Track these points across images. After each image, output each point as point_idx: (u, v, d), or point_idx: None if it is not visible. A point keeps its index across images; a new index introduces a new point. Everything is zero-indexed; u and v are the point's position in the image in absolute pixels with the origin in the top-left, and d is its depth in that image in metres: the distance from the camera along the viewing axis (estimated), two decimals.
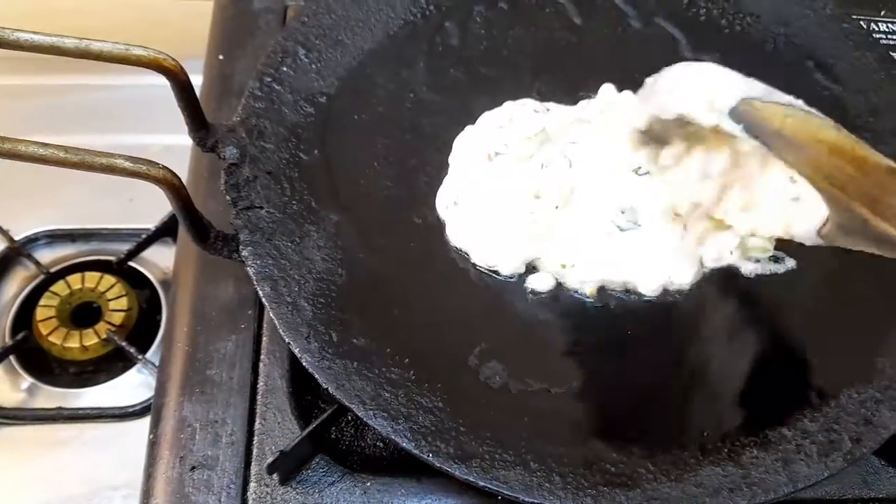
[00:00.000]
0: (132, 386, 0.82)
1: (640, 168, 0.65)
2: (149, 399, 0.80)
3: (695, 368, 0.60)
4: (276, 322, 0.57)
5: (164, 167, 0.54)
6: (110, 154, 0.53)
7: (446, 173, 0.68)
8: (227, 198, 0.62)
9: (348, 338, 0.58)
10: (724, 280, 0.64)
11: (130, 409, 0.80)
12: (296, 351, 0.56)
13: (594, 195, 0.64)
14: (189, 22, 0.84)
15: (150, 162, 0.54)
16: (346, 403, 0.55)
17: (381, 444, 0.62)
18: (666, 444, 0.56)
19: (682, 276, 0.63)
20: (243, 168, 0.63)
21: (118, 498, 0.77)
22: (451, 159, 0.68)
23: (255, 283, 0.59)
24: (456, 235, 0.65)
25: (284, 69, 0.69)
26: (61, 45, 0.55)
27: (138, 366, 0.82)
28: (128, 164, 0.53)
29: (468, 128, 0.69)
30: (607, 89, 0.70)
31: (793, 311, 0.63)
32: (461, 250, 0.64)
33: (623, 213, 0.63)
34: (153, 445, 0.61)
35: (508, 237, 0.64)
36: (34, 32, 0.55)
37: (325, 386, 0.55)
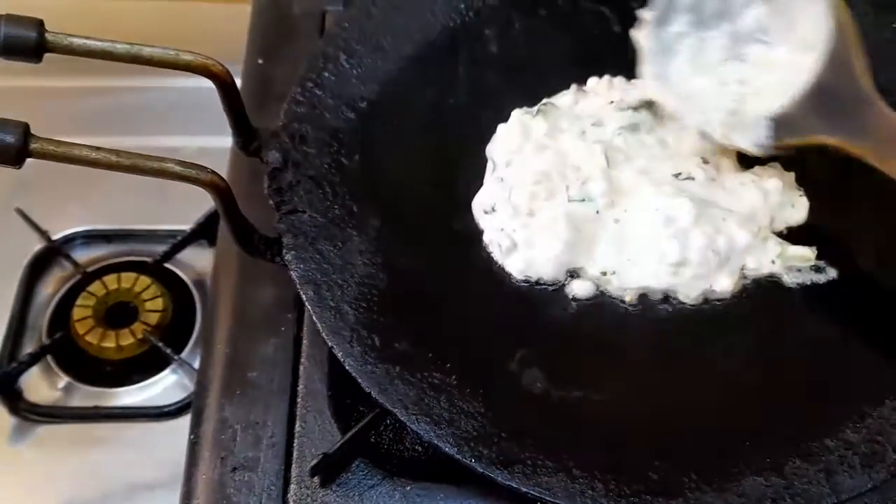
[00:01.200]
0: (167, 386, 0.83)
1: (680, 174, 0.65)
2: (183, 399, 0.81)
3: (735, 377, 0.60)
4: (319, 326, 0.58)
5: (213, 171, 0.55)
6: (161, 158, 0.53)
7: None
8: (271, 202, 0.62)
9: (390, 342, 0.58)
10: (765, 289, 0.63)
11: (166, 409, 0.81)
12: (339, 355, 0.57)
13: (635, 201, 0.64)
14: (227, 26, 0.84)
15: (199, 166, 0.55)
16: (389, 408, 0.55)
17: (420, 449, 0.62)
18: (708, 453, 0.56)
19: (723, 285, 0.62)
20: (286, 173, 0.64)
21: (154, 497, 0.77)
22: (488, 163, 0.69)
23: (298, 286, 0.59)
24: (491, 243, 0.65)
25: (326, 74, 0.70)
26: (113, 50, 0.56)
27: (173, 366, 0.83)
28: (178, 168, 0.54)
29: (500, 127, 0.69)
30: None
31: (834, 322, 0.62)
32: (498, 263, 0.64)
33: (665, 219, 0.63)
34: (194, 446, 0.62)
35: (547, 246, 0.63)
36: (87, 38, 0.56)
37: (367, 390, 0.56)
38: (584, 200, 0.64)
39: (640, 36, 0.68)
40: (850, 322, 0.62)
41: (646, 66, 0.67)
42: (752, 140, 0.62)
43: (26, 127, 0.50)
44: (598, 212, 0.64)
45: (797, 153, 0.64)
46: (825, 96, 0.60)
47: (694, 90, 0.67)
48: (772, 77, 0.65)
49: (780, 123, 0.61)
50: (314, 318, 0.58)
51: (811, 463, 0.55)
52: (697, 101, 0.66)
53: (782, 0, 0.65)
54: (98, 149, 0.52)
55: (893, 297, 0.62)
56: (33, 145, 0.50)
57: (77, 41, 0.55)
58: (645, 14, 0.68)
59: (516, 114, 0.70)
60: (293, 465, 0.60)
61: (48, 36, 0.54)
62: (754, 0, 0.66)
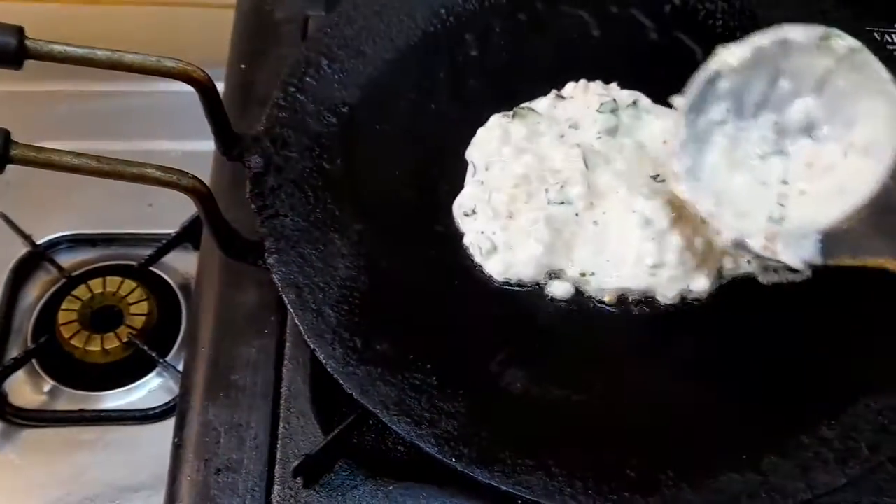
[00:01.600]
0: (152, 389, 0.84)
1: (658, 176, 0.66)
2: (169, 402, 0.82)
3: (713, 375, 0.61)
4: (301, 328, 0.58)
5: (194, 177, 0.56)
6: (141, 164, 0.54)
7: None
8: (253, 206, 0.63)
9: (371, 344, 0.59)
10: (741, 289, 0.64)
11: (151, 412, 0.81)
12: (321, 357, 0.57)
13: (614, 203, 0.65)
14: (210, 31, 0.85)
15: (181, 171, 0.55)
16: (371, 409, 0.55)
17: (403, 449, 0.63)
18: (685, 450, 0.57)
19: (700, 285, 0.63)
20: (268, 177, 0.64)
21: (138, 499, 0.78)
22: (468, 166, 0.69)
23: (280, 289, 0.60)
24: (472, 245, 0.65)
25: (307, 79, 0.70)
26: (94, 57, 0.57)
27: (158, 369, 0.84)
28: (158, 174, 0.54)
29: (479, 131, 0.70)
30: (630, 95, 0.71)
31: (810, 320, 0.63)
32: (478, 265, 0.65)
33: (643, 221, 0.64)
34: (178, 448, 0.62)
35: (526, 248, 0.64)
36: (67, 44, 0.56)
37: (349, 391, 0.56)
38: (563, 203, 0.65)
39: (672, 124, 0.61)
40: (825, 322, 0.63)
41: (675, 160, 0.60)
42: (799, 255, 0.55)
43: (7, 133, 0.50)
44: (577, 214, 0.65)
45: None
46: (890, 213, 0.51)
47: (729, 189, 0.59)
48: (822, 181, 0.56)
49: (834, 238, 0.54)
50: (296, 320, 0.58)
51: (787, 459, 0.56)
52: (734, 202, 0.58)
53: (837, 91, 0.57)
54: (79, 154, 0.52)
55: (867, 298, 0.62)
56: (14, 151, 0.50)
57: (57, 48, 0.55)
58: (677, 100, 0.61)
59: (495, 118, 0.70)
60: (276, 467, 0.60)
61: (28, 43, 0.55)
62: (804, 88, 0.58)
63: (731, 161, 0.60)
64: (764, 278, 0.64)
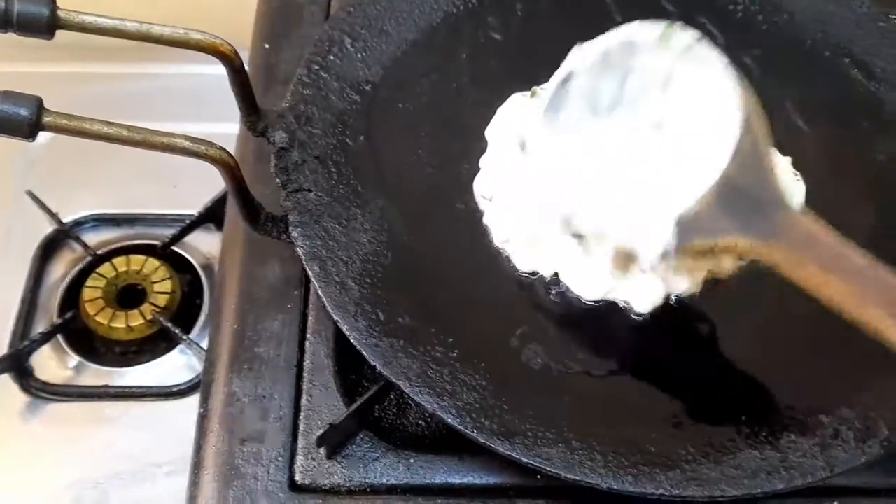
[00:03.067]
0: (176, 366, 0.85)
1: None
2: (192, 379, 0.83)
3: (734, 353, 0.61)
4: (324, 301, 0.59)
5: (222, 148, 0.56)
6: (171, 133, 0.55)
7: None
8: (277, 180, 0.64)
9: (394, 317, 0.59)
10: (759, 268, 0.64)
11: (174, 389, 0.83)
12: (344, 329, 0.58)
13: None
14: (234, 11, 0.85)
15: (208, 142, 0.56)
16: (393, 380, 0.56)
17: (423, 423, 0.64)
18: (705, 427, 0.57)
19: (727, 265, 0.63)
20: (292, 152, 0.65)
21: (161, 474, 0.79)
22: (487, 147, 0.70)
23: (304, 262, 0.60)
24: (490, 227, 0.66)
25: (331, 58, 0.71)
26: (123, 28, 0.57)
27: (181, 346, 0.85)
28: (187, 144, 0.55)
29: (499, 110, 0.70)
30: None
31: None
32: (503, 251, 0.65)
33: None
34: (203, 419, 0.63)
35: (541, 241, 0.64)
36: (98, 15, 0.57)
37: (372, 363, 0.57)
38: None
39: (531, 121, 0.61)
40: None
41: (532, 158, 0.61)
42: (656, 244, 0.56)
43: (40, 101, 0.51)
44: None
45: None
46: (735, 194, 0.54)
47: (585, 186, 0.60)
48: (673, 172, 0.58)
49: (688, 224, 0.55)
50: (320, 293, 0.59)
51: (806, 437, 0.56)
52: (590, 199, 0.59)
53: (682, 89, 0.59)
54: (110, 123, 0.53)
55: None
56: (46, 119, 0.51)
57: (88, 18, 0.56)
58: (540, 91, 0.62)
59: (515, 97, 0.71)
60: (299, 437, 0.61)
61: (60, 13, 0.56)
62: (651, 86, 0.59)
63: (587, 160, 0.60)
64: None
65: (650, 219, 0.56)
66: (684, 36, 0.59)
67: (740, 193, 0.54)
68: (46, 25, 0.55)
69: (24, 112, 0.50)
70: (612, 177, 0.60)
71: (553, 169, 0.60)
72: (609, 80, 0.60)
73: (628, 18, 0.79)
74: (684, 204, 0.55)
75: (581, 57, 0.60)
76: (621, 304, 0.62)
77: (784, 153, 0.69)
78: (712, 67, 0.57)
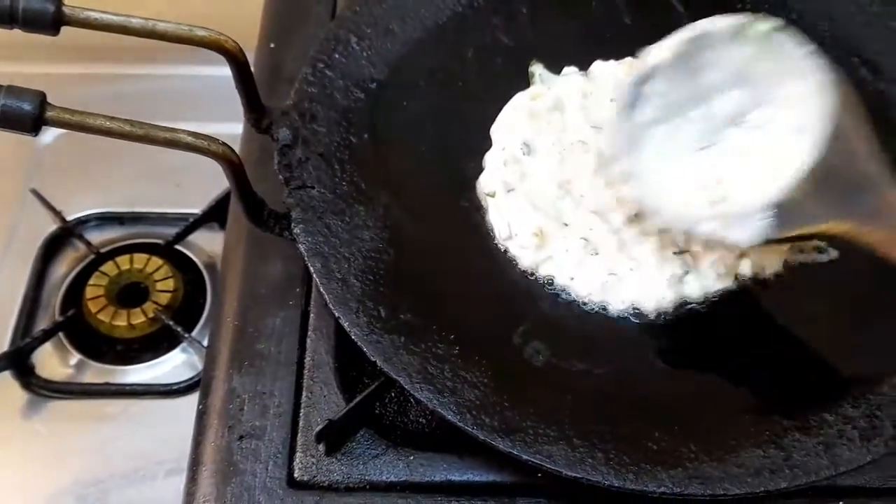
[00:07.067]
0: (177, 364, 0.85)
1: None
2: (192, 377, 0.83)
3: (737, 352, 0.61)
4: (326, 297, 0.59)
5: (225, 143, 0.56)
6: (173, 129, 0.55)
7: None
8: (280, 177, 0.64)
9: (395, 314, 0.59)
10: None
11: (175, 387, 0.82)
12: (345, 325, 0.58)
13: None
14: (240, 10, 0.86)
15: (211, 138, 0.56)
16: (394, 376, 0.56)
17: (424, 421, 0.63)
18: (707, 425, 0.57)
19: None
20: (296, 149, 0.65)
21: (161, 472, 0.79)
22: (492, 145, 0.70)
23: (306, 259, 0.60)
24: (493, 225, 0.66)
25: (336, 56, 0.71)
26: (128, 24, 0.57)
27: (183, 345, 0.85)
28: (190, 139, 0.55)
29: (504, 109, 0.70)
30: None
31: (836, 299, 0.63)
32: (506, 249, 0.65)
33: None
34: (202, 415, 0.63)
35: (544, 239, 0.64)
36: (103, 11, 0.57)
37: (373, 359, 0.57)
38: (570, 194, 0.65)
39: (608, 131, 0.62)
40: (851, 299, 0.63)
41: (615, 165, 0.61)
42: (750, 233, 0.56)
43: (43, 96, 0.51)
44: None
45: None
46: (832, 179, 0.54)
47: (667, 184, 0.60)
48: (758, 163, 0.58)
49: (784, 211, 0.55)
50: (321, 289, 0.59)
51: (810, 436, 0.56)
52: (673, 197, 0.59)
53: (763, 80, 0.59)
54: (112, 118, 0.53)
55: (892, 277, 0.62)
56: (49, 113, 0.51)
57: (94, 14, 0.56)
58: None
59: (519, 96, 0.71)
60: (299, 434, 0.61)
61: (65, 9, 0.56)
62: (728, 79, 0.60)
63: (667, 157, 0.61)
64: (790, 257, 0.64)
65: (746, 209, 0.56)
66: (762, 26, 0.58)
67: (838, 177, 0.54)
68: (52, 21, 0.55)
69: (27, 106, 0.50)
70: (695, 172, 0.59)
71: (633, 169, 0.60)
72: (685, 77, 0.60)
73: (637, 19, 0.79)
74: (773, 195, 0.55)
75: (653, 55, 0.60)
76: (625, 304, 0.62)
77: None
78: (794, 54, 0.57)
